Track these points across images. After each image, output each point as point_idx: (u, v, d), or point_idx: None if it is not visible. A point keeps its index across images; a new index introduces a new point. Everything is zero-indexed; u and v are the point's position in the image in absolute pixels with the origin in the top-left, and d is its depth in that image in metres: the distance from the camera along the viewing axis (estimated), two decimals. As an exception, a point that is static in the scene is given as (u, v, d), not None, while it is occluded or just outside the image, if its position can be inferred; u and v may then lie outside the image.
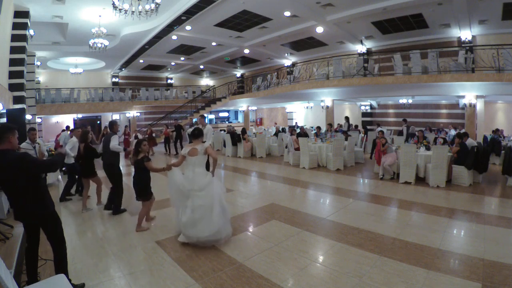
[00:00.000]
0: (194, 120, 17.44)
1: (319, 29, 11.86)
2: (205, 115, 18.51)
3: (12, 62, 7.56)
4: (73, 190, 6.30)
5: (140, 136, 12.08)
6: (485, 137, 9.71)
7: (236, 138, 11.60)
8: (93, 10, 9.59)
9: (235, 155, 11.59)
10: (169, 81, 22.77)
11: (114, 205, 4.92)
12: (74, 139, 5.76)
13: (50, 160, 2.63)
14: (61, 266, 2.59)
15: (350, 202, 5.42)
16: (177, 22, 10.93)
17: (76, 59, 15.64)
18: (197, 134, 3.85)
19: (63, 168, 8.87)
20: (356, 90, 11.99)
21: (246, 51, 15.60)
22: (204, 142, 3.90)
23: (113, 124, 5.21)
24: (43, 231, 2.59)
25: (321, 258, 3.34)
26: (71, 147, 5.63)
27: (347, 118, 14.06)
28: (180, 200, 3.68)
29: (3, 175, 2.36)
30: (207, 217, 3.48)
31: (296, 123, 19.06)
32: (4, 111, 5.57)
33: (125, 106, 17.72)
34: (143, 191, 4.16)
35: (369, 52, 14.30)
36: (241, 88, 20.70)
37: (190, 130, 4.31)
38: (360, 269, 2.99)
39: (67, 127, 10.15)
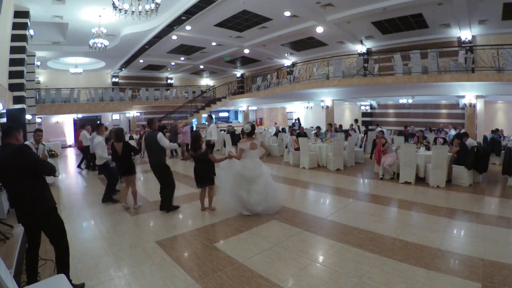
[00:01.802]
0: (192, 120, 17.43)
1: (319, 29, 11.86)
2: (205, 115, 18.51)
3: (12, 62, 7.57)
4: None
5: (135, 136, 12.02)
6: (485, 137, 9.71)
7: (236, 138, 11.59)
8: (93, 10, 9.59)
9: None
10: (169, 81, 22.77)
11: (168, 203, 4.89)
12: (100, 138, 5.54)
13: (49, 164, 2.72)
14: (62, 267, 2.59)
15: (350, 202, 5.42)
16: (177, 22, 10.93)
17: (76, 59, 15.64)
18: (251, 132, 4.73)
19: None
20: (356, 90, 11.99)
21: (246, 51, 15.60)
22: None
23: (152, 121, 4.98)
24: (44, 233, 2.59)
25: (321, 258, 3.34)
26: (102, 148, 5.42)
27: (298, 119, 15.23)
28: (243, 186, 4.56)
29: (4, 166, 2.41)
30: (271, 195, 4.63)
31: (297, 119, 19.01)
32: (4, 111, 5.57)
33: (125, 106, 17.73)
34: (207, 178, 4.74)
35: (369, 52, 14.30)
36: (241, 88, 20.70)
37: (247, 126, 4.77)
38: (360, 269, 2.99)
39: (85, 126, 9.76)
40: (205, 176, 4.73)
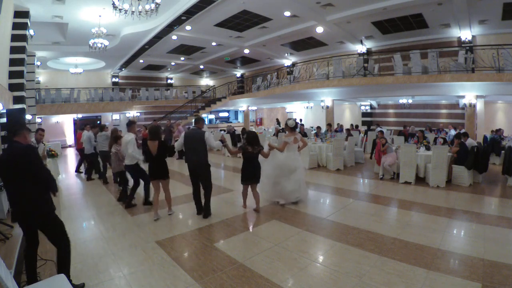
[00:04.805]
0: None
1: (319, 29, 11.86)
2: (204, 115, 18.50)
3: (12, 62, 7.55)
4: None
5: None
6: (485, 137, 9.71)
7: (236, 138, 11.60)
8: (93, 10, 9.59)
9: (235, 155, 11.59)
10: (169, 81, 22.77)
11: (207, 207, 4.67)
12: (131, 136, 5.09)
13: (51, 176, 2.74)
14: (63, 266, 2.59)
15: (350, 202, 5.42)
16: (177, 22, 10.93)
17: (76, 59, 15.64)
18: (295, 127, 5.29)
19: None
20: (356, 90, 11.98)
21: (246, 51, 15.60)
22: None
23: (201, 119, 4.78)
24: (44, 234, 2.58)
25: (321, 258, 3.34)
26: (132, 147, 4.97)
27: (277, 120, 15.61)
28: (283, 175, 5.12)
29: (8, 165, 2.43)
30: (302, 185, 5.23)
31: (300, 119, 19.00)
32: (4, 111, 5.56)
33: (125, 106, 17.74)
34: (257, 176, 4.88)
35: (369, 52, 14.29)
36: (241, 88, 20.69)
37: (291, 121, 5.30)
38: (360, 269, 2.99)
39: (94, 125, 8.25)
40: (255, 174, 4.85)
